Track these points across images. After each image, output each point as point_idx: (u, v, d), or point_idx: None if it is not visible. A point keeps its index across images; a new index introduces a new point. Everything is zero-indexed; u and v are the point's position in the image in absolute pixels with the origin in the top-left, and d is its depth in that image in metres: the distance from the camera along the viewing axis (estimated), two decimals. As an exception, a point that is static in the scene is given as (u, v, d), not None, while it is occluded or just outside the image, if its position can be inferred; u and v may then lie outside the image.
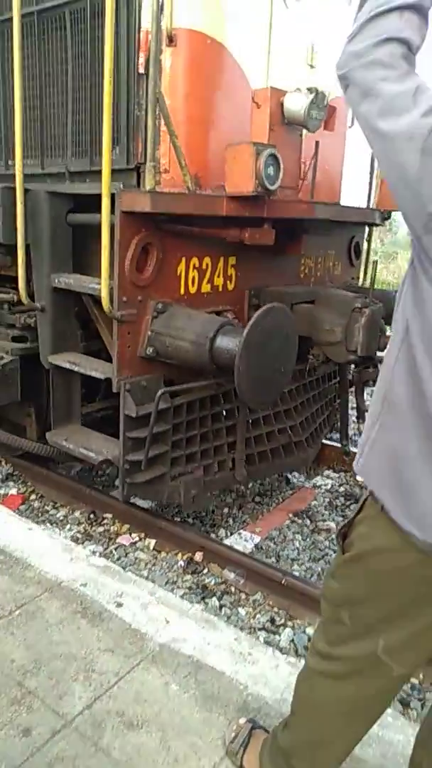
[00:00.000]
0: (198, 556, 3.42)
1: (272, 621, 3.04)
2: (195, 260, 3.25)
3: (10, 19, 3.42)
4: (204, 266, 3.32)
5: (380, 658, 1.34)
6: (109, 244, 2.75)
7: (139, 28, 2.93)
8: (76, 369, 3.20)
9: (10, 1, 3.37)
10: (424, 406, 1.21)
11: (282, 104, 2.99)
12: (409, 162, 1.09)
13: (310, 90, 2.89)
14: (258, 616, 3.07)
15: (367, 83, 1.14)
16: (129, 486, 3.13)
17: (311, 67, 3.78)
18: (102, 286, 2.77)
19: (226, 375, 3.19)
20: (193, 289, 3.29)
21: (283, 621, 3.05)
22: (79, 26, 3.20)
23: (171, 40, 2.92)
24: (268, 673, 2.34)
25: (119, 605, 2.67)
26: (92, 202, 3.22)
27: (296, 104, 2.88)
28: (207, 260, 3.32)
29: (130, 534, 3.68)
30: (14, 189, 3.07)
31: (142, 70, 2.97)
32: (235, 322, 3.08)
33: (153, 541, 3.59)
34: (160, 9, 2.81)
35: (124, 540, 3.62)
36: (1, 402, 3.53)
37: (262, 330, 2.69)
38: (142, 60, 2.96)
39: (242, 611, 3.09)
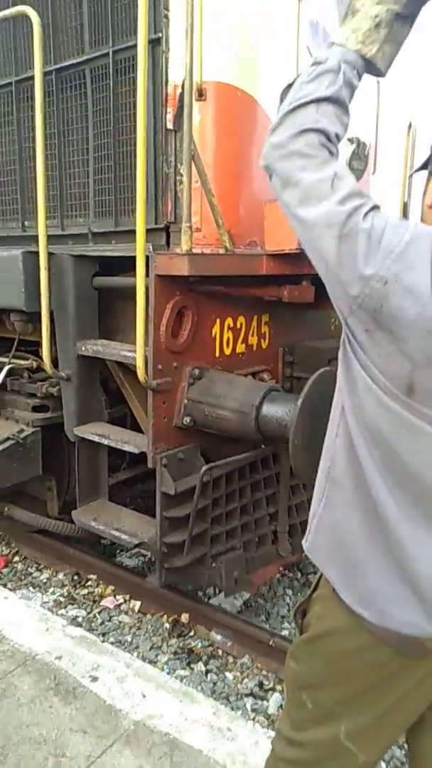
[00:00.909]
0: (184, 618, 3.27)
1: (260, 685, 2.88)
2: (229, 320, 3.05)
3: (28, 79, 3.34)
4: (238, 326, 3.11)
5: (343, 744, 1.29)
6: (145, 310, 2.54)
7: (167, 82, 2.79)
8: (105, 442, 2.95)
9: (29, 62, 3.30)
10: (362, 482, 1.20)
11: (319, 156, 2.83)
12: (329, 248, 1.11)
13: (350, 140, 2.72)
14: (246, 680, 2.91)
15: (287, 173, 1.17)
16: (167, 572, 2.84)
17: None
18: (137, 354, 2.55)
19: (272, 444, 2.95)
20: (228, 351, 3.07)
21: (271, 685, 2.89)
22: (100, 83, 3.07)
23: (201, 93, 2.78)
24: (248, 750, 2.21)
25: (94, 679, 2.52)
26: (117, 264, 3.04)
27: (336, 155, 2.71)
28: (241, 319, 3.12)
29: (115, 596, 3.55)
30: (37, 253, 2.88)
31: (170, 126, 2.82)
32: (279, 387, 2.85)
33: (138, 603, 3.45)
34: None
35: (108, 603, 3.48)
36: (22, 477, 3.27)
37: (317, 397, 2.46)
38: (170, 115, 2.81)
39: (229, 676, 2.94)
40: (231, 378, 2.81)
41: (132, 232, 3.02)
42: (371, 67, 1.27)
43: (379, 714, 1.27)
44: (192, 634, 3.21)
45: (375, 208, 1.12)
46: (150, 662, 2.89)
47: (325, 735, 1.31)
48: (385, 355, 1.11)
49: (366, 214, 1.10)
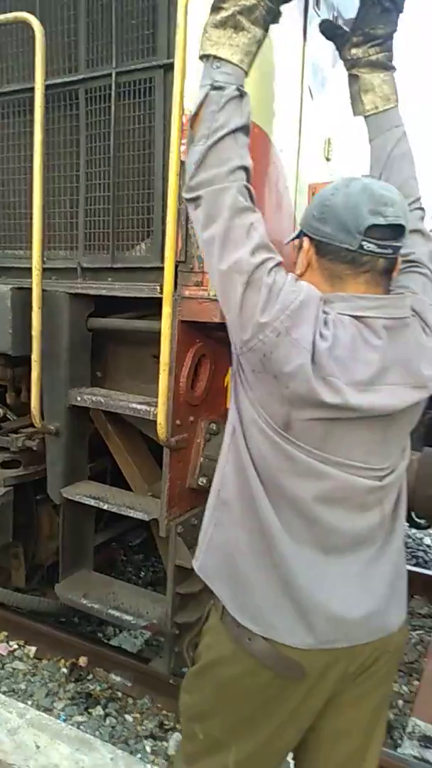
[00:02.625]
0: (82, 661, 3.15)
1: (161, 725, 2.83)
2: (238, 369, 2.81)
3: (5, 94, 2.98)
4: (244, 374, 2.88)
5: None
6: (169, 359, 2.25)
7: (182, 111, 2.56)
8: (105, 507, 2.57)
9: (7, 74, 2.95)
10: (251, 503, 1.31)
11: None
12: (236, 292, 1.22)
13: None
14: (146, 722, 2.85)
15: (215, 210, 1.25)
16: (177, 656, 2.49)
17: (327, 160, 3.60)
18: (159, 410, 2.24)
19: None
20: (235, 402, 2.82)
21: (171, 725, 2.83)
22: (96, 106, 2.78)
23: (220, 126, 2.57)
24: None
25: (-17, 734, 2.38)
26: (113, 304, 2.73)
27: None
28: (247, 367, 2.89)
29: (8, 642, 3.36)
30: (27, 290, 2.50)
31: (183, 158, 2.58)
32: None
33: (33, 649, 3.29)
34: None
35: (0, 649, 3.29)
36: (-9, 547, 2.80)
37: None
38: (183, 147, 2.57)
39: (129, 718, 2.87)
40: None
41: (132, 270, 2.75)
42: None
43: (263, 740, 1.36)
44: (90, 677, 3.10)
45: (279, 264, 1.25)
46: (45, 710, 2.78)
47: (215, 766, 1.39)
48: (268, 394, 1.25)
49: (271, 269, 1.22)
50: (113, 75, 2.69)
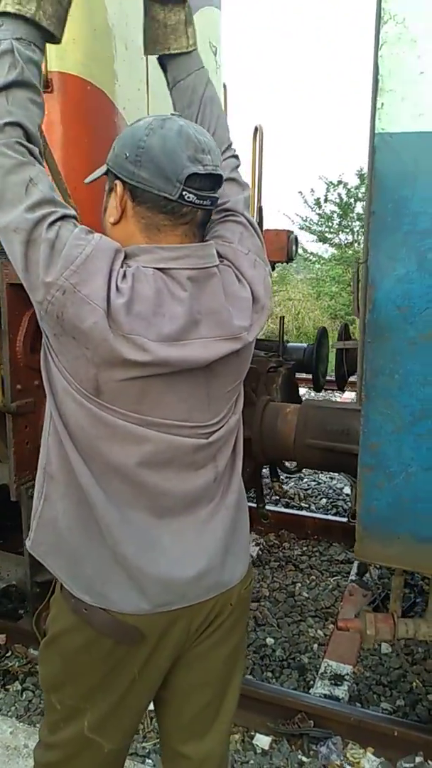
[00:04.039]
0: (0, 639, 3.16)
1: None
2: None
3: None
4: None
5: (88, 737, 1.39)
6: (-2, 324, 2.25)
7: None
8: None
9: None
10: (72, 474, 1.28)
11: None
12: (17, 253, 1.15)
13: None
14: None
15: None
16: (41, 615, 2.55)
17: (186, 119, 3.60)
18: (-8, 376, 2.25)
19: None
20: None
21: None
22: None
23: (47, 85, 2.53)
24: None
25: None
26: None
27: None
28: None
29: None
30: None
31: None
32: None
33: None
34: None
35: None
36: None
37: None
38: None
39: None
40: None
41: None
42: (45, 34, 1.29)
43: (114, 702, 1.37)
44: (9, 654, 3.09)
45: (65, 217, 1.17)
46: (-40, 689, 2.74)
47: (72, 732, 1.40)
48: (73, 359, 1.18)
49: (52, 223, 1.14)
50: None
